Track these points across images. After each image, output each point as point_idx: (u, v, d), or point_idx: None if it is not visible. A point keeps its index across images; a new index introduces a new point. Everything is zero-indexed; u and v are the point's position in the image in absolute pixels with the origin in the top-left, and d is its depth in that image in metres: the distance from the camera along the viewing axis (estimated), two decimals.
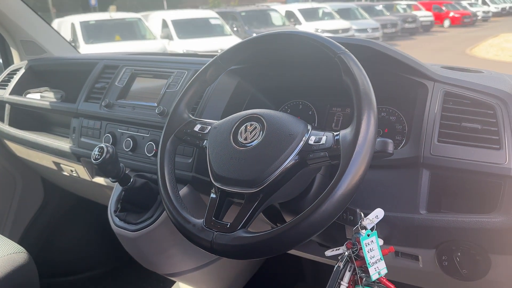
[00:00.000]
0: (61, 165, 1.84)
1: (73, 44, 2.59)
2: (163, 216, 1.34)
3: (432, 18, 21.26)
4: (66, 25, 10.50)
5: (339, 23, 15.48)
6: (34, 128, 1.98)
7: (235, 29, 13.57)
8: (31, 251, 1.51)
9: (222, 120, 1.05)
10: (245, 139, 0.96)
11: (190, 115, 1.12)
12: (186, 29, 11.55)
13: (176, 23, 11.69)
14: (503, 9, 29.13)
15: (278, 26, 14.32)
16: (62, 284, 2.38)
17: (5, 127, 2.01)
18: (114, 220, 1.40)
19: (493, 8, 27.89)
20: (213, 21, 12.14)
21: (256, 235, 0.86)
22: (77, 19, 10.62)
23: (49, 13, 18.47)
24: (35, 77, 2.08)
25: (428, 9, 22.79)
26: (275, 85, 1.41)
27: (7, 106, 2.02)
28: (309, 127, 0.95)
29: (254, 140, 0.94)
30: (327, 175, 1.06)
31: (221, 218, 0.95)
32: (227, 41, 10.84)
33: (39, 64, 2.08)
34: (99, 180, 1.71)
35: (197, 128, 1.08)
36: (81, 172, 1.75)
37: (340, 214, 0.83)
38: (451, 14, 23.27)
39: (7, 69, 2.18)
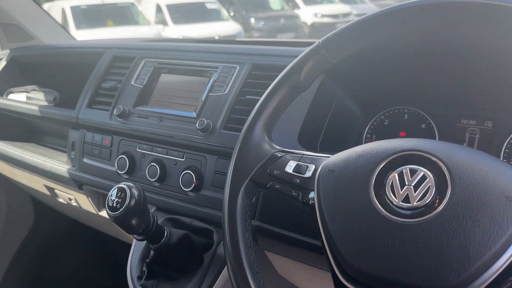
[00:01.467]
0: (56, 191, 1.39)
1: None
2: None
3: None
4: (56, 10, 10.19)
5: (339, 8, 15.06)
6: (19, 138, 1.57)
7: (231, 14, 13.12)
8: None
9: (342, 154, 0.61)
10: (406, 200, 0.52)
11: (275, 145, 0.68)
12: (182, 14, 11.17)
13: (171, 7, 11.34)
14: None
15: (277, 10, 13.87)
16: None
17: None
18: None
19: None
20: (209, 6, 11.79)
21: None
22: (67, 3, 10.30)
23: None
24: (20, 71, 1.68)
25: None
26: (371, 86, 0.97)
27: None
28: None
29: (429, 205, 0.51)
30: None
31: None
32: (224, 27, 10.55)
33: (24, 55, 1.67)
34: None
35: (290, 168, 0.64)
36: (84, 202, 1.30)
37: None
38: None
39: None
